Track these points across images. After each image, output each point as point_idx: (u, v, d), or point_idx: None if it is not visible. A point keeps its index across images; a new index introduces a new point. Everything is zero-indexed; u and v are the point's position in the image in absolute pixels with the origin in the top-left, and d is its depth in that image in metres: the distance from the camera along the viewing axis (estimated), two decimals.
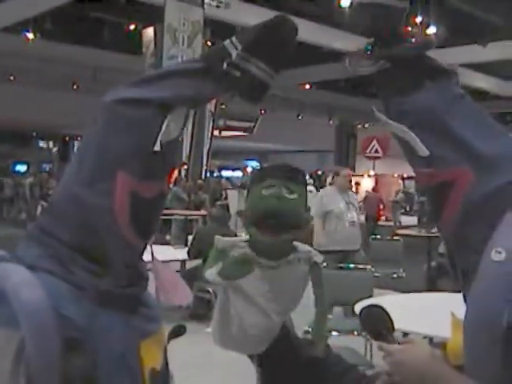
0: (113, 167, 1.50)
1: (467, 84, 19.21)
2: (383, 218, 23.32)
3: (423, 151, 1.54)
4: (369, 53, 1.61)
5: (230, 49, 1.56)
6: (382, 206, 20.22)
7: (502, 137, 1.59)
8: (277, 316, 1.74)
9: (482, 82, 20.20)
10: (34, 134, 29.84)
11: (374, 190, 24.82)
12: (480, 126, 1.56)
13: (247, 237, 1.74)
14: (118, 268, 1.54)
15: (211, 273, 1.68)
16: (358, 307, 4.49)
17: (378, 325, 1.64)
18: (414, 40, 1.62)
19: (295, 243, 1.74)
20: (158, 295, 1.71)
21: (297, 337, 1.86)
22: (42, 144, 31.60)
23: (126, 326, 1.55)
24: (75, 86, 22.39)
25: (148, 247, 1.66)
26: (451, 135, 1.53)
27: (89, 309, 1.49)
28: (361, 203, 20.42)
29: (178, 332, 1.79)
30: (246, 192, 1.78)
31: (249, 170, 31.75)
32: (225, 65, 1.53)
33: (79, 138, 31.01)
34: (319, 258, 1.76)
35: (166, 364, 1.68)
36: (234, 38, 1.58)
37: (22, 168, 28.76)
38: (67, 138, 30.79)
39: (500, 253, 1.38)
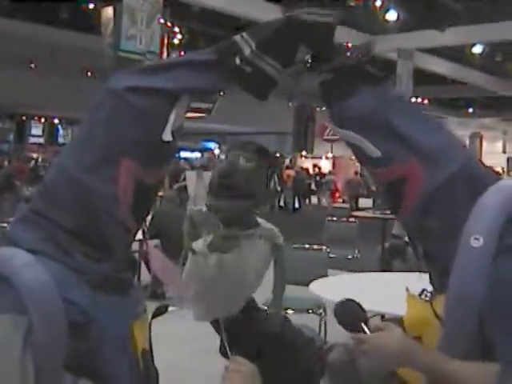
0: (119, 154, 1.51)
1: (424, 68, 19.39)
2: (340, 200, 23.75)
3: (374, 152, 1.62)
4: (309, 66, 1.68)
5: (241, 44, 1.59)
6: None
7: (441, 130, 1.69)
8: (240, 289, 1.82)
9: (439, 66, 20.42)
10: None
11: (331, 172, 25.28)
12: (421, 122, 1.66)
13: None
14: (116, 252, 1.57)
15: (199, 243, 1.73)
16: (312, 286, 4.59)
17: (352, 318, 1.72)
18: (350, 51, 1.71)
19: (259, 220, 1.81)
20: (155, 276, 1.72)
21: (259, 309, 1.94)
22: None
23: (122, 308, 1.58)
24: (32, 65, 22.00)
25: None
26: (396, 133, 1.61)
27: (89, 293, 1.51)
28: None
29: (161, 311, 1.84)
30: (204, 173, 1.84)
31: (216, 152, 31.67)
32: (237, 60, 1.57)
33: (35, 118, 30.52)
34: (280, 240, 1.84)
35: (151, 343, 1.74)
36: (245, 34, 1.60)
37: None
38: (24, 118, 30.25)
39: (478, 239, 1.49)
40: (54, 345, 1.42)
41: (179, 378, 4.54)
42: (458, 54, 19.47)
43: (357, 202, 21.43)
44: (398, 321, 1.76)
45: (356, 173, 24.15)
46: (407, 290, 1.79)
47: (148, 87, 1.53)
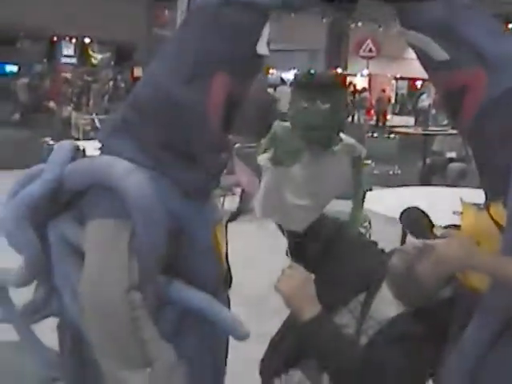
0: (212, 68, 1.55)
1: None
2: (374, 117, 23.82)
3: (442, 55, 1.63)
4: None
5: None
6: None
7: (510, 40, 1.69)
8: (318, 200, 1.90)
9: None
10: (21, 34, 29.13)
11: (365, 89, 25.19)
12: (491, 30, 1.66)
13: None
14: (205, 163, 1.63)
15: (264, 158, 1.80)
16: None
17: (419, 224, 1.78)
18: None
19: (342, 135, 1.88)
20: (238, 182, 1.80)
21: (329, 218, 2.02)
22: (29, 45, 30.81)
23: (207, 214, 1.68)
24: None
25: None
26: (464, 39, 1.62)
27: (181, 200, 1.59)
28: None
29: (234, 217, 1.94)
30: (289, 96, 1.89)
31: None
32: None
33: (66, 38, 30.33)
34: (362, 152, 1.91)
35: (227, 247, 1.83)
36: None
37: (12, 69, 28.07)
38: (55, 38, 30.08)
39: None
40: (155, 247, 1.52)
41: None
42: None
43: (385, 118, 22.67)
44: (454, 228, 1.83)
45: (383, 90, 24.63)
46: (462, 200, 1.83)
47: (243, 1, 1.55)
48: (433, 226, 1.79)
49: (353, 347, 1.83)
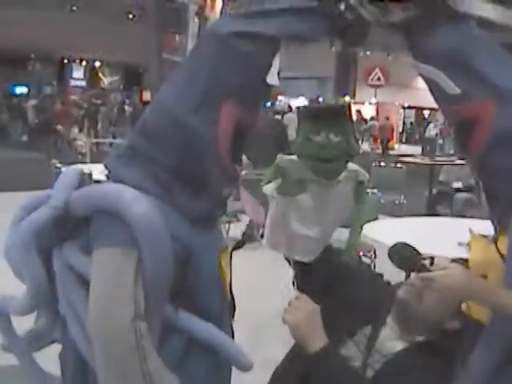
0: (221, 97, 1.55)
1: (469, 14, 18.87)
2: (379, 146, 23.99)
3: (453, 89, 1.63)
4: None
5: None
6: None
7: None
8: (324, 229, 1.89)
9: (485, 11, 19.76)
10: (32, 56, 29.41)
11: (373, 117, 25.33)
12: (502, 62, 1.66)
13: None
14: (213, 191, 1.63)
15: (270, 188, 1.80)
16: (365, 229, 4.65)
17: (408, 259, 1.77)
18: None
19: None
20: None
21: (334, 249, 2.02)
22: (39, 67, 31.06)
23: (213, 242, 1.67)
24: (74, 7, 21.97)
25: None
26: (476, 72, 1.62)
27: (188, 228, 1.58)
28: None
29: (239, 246, 1.93)
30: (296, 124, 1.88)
31: None
32: (342, 7, 1.58)
33: (77, 61, 30.62)
34: (365, 177, 1.90)
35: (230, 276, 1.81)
36: None
37: (22, 90, 28.27)
38: (65, 61, 30.35)
39: None
40: (162, 276, 1.50)
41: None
42: None
43: (387, 146, 22.99)
44: (461, 262, 1.82)
45: (387, 118, 24.96)
46: (471, 231, 1.82)
47: (253, 32, 1.55)
48: (422, 258, 1.78)
49: (359, 380, 1.81)
